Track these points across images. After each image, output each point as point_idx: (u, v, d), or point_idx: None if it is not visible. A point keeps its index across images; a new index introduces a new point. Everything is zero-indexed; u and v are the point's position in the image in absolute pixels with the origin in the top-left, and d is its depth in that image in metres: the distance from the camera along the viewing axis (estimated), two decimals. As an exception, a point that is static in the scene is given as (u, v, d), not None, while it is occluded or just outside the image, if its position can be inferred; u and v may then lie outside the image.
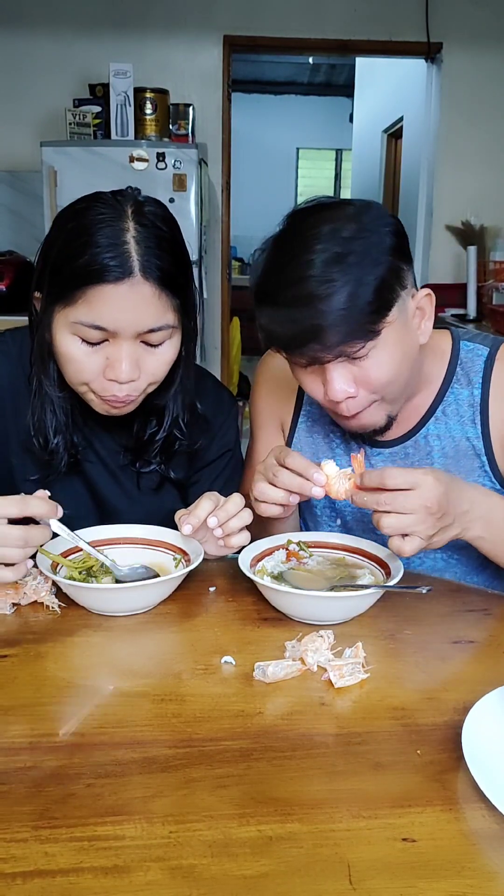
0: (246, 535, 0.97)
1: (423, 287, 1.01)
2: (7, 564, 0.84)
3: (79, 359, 0.95)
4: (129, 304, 0.91)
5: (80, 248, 0.91)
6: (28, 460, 1.07)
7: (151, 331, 0.94)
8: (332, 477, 0.93)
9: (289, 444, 1.21)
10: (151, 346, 0.96)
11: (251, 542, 0.99)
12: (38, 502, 0.87)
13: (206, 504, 0.94)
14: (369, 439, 1.12)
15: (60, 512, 0.89)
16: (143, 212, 0.94)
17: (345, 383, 0.95)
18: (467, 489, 0.93)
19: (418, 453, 1.11)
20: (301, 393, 1.20)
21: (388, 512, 0.85)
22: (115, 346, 0.94)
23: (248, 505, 0.97)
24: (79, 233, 0.92)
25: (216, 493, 0.97)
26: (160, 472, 1.12)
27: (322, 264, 0.89)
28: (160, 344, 0.96)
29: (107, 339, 0.94)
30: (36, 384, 1.03)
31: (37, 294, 0.99)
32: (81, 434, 1.08)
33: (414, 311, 0.99)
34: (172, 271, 0.94)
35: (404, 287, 0.95)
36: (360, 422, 1.01)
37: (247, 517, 0.96)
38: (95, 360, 0.95)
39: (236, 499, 0.95)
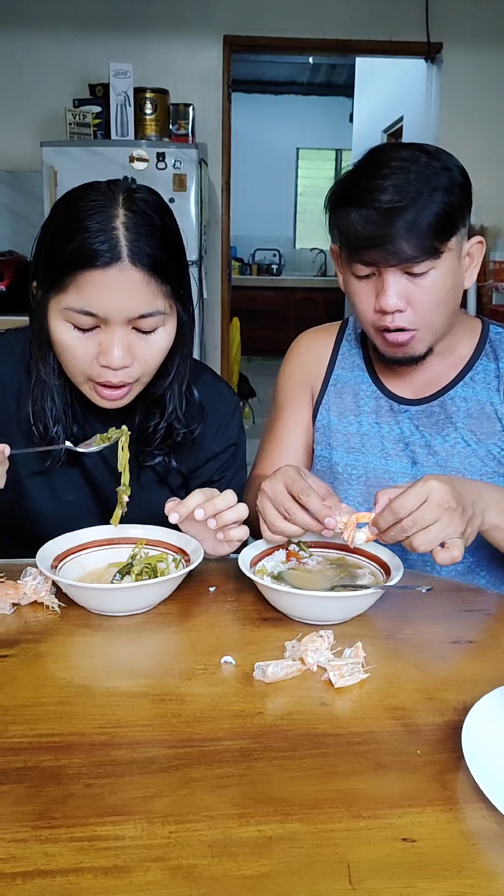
0: (244, 530, 0.97)
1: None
2: None
3: (72, 345, 0.96)
4: (118, 290, 0.92)
5: (69, 234, 0.92)
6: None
7: (142, 316, 0.95)
8: (347, 524, 0.92)
9: (318, 404, 1.26)
10: (144, 332, 0.97)
11: (253, 541, 1.00)
12: None
13: (198, 497, 0.94)
14: (397, 400, 1.19)
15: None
16: (134, 199, 0.95)
17: (398, 296, 1.03)
18: (468, 482, 0.94)
19: (444, 412, 1.16)
20: (333, 358, 1.27)
21: (415, 534, 0.85)
22: (107, 332, 0.95)
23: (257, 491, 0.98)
24: (69, 219, 0.94)
25: (212, 489, 0.97)
26: (164, 463, 1.12)
27: (402, 177, 0.99)
28: (153, 331, 0.97)
29: (98, 326, 0.95)
30: (35, 373, 1.04)
31: (35, 283, 1.00)
32: (81, 428, 1.09)
33: (465, 254, 1.08)
34: (162, 258, 0.94)
35: (465, 224, 1.05)
36: (402, 349, 1.08)
37: (242, 511, 0.95)
38: (88, 346, 0.96)
39: (228, 495, 0.95)
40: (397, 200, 0.98)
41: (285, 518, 0.92)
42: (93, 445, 1.01)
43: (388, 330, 1.06)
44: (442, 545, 0.86)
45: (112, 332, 0.94)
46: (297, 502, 0.91)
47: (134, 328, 0.96)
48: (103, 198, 0.94)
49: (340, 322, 1.31)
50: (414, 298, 1.03)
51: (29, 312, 1.03)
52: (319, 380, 1.27)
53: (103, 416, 1.07)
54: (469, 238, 1.08)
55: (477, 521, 0.91)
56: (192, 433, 1.12)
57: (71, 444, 1.02)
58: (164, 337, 0.99)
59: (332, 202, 1.08)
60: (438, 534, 0.85)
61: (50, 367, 1.03)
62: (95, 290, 0.92)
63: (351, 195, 1.03)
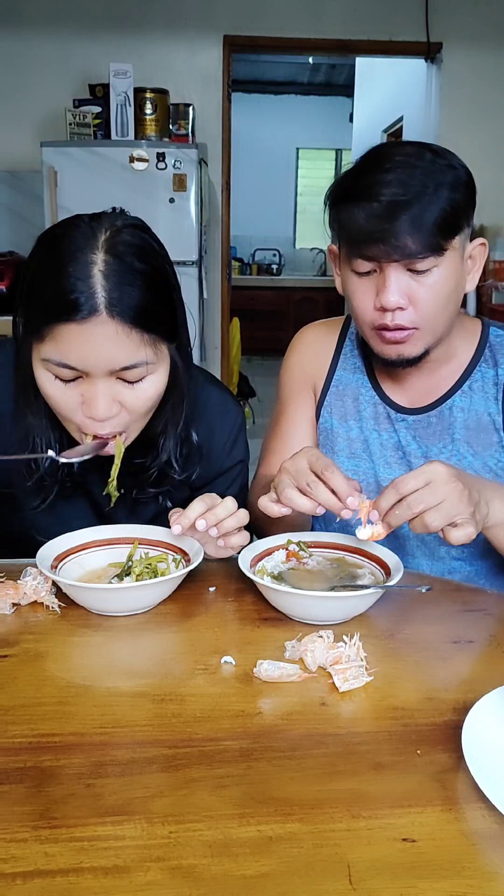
0: (245, 535, 0.97)
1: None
2: None
3: (54, 395, 0.92)
4: (97, 343, 0.87)
5: (46, 280, 0.87)
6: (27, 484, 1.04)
7: (125, 368, 0.90)
8: (361, 508, 0.91)
9: (320, 405, 1.24)
10: (129, 382, 0.92)
11: (252, 541, 1.00)
12: None
13: (198, 506, 0.93)
14: (395, 408, 1.17)
15: None
16: (117, 241, 0.88)
17: (399, 293, 1.01)
18: (472, 475, 0.95)
19: (441, 423, 1.15)
20: (335, 357, 1.25)
21: (424, 512, 0.85)
22: (90, 383, 0.90)
23: (266, 485, 0.97)
24: (48, 263, 0.89)
25: (213, 494, 0.97)
26: (160, 502, 1.09)
27: (407, 172, 0.98)
28: (140, 380, 0.92)
29: (80, 376, 0.90)
30: (22, 414, 1.00)
31: (17, 319, 0.95)
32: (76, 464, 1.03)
33: (467, 256, 1.06)
34: (146, 306, 0.88)
35: (469, 225, 1.03)
36: (399, 349, 1.06)
37: (243, 517, 0.95)
38: (71, 396, 0.91)
39: (228, 503, 0.94)
40: (401, 194, 0.96)
41: (303, 492, 0.92)
42: (76, 455, 0.96)
43: (386, 328, 1.04)
44: (453, 526, 0.86)
45: (94, 383, 0.89)
46: (320, 479, 0.91)
47: (119, 378, 0.91)
48: (84, 239, 0.88)
49: (343, 318, 1.29)
50: (415, 296, 1.01)
51: (16, 346, 0.97)
52: (322, 379, 1.25)
53: None
54: (472, 240, 1.06)
55: (483, 510, 0.90)
56: (189, 478, 1.09)
57: (53, 454, 0.97)
58: (152, 385, 0.94)
59: (333, 198, 1.05)
60: (450, 510, 0.85)
61: (36, 409, 0.98)
62: (72, 343, 0.87)
63: (353, 190, 1.01)
